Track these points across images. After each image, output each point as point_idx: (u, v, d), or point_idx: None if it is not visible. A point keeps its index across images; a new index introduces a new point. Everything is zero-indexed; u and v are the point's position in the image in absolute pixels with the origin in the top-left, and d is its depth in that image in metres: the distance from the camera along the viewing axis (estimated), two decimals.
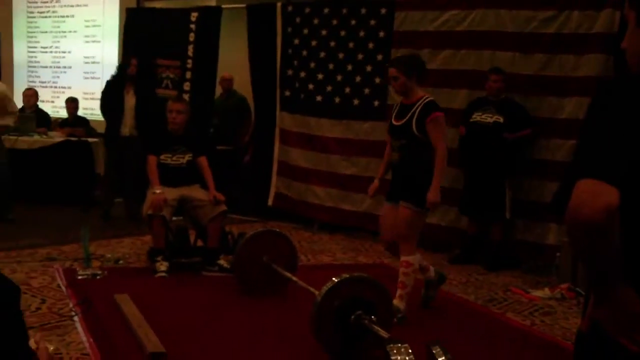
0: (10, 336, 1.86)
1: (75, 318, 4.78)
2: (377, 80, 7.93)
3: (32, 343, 2.12)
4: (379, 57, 7.91)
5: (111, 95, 8.39)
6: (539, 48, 6.86)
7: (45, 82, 12.47)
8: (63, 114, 10.76)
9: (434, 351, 3.20)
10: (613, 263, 1.65)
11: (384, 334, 3.83)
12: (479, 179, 6.89)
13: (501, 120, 6.77)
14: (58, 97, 11.89)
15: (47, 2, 12.48)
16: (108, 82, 8.59)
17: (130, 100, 8.28)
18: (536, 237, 6.83)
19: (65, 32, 12.28)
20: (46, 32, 12.50)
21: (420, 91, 5.11)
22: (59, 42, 12.36)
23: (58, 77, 12.35)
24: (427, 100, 5.00)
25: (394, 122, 5.15)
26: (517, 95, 6.92)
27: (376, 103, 7.96)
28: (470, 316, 5.40)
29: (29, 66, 12.75)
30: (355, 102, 8.10)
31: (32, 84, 12.25)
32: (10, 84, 12.70)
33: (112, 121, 8.38)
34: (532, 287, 6.25)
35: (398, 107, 5.19)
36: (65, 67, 12.26)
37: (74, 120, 10.19)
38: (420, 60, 5.28)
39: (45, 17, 12.50)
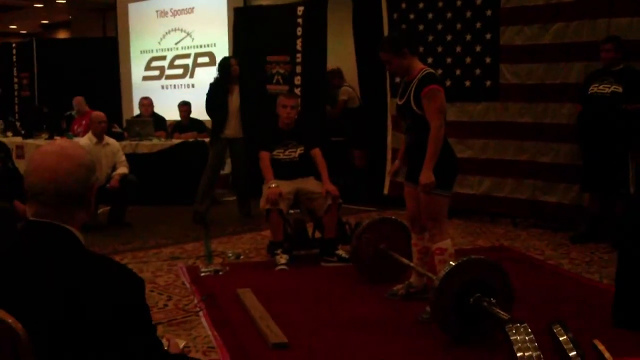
0: (141, 323, 1.94)
1: (200, 313, 4.88)
2: (488, 60, 7.78)
3: (164, 341, 2.19)
4: (488, 36, 7.76)
5: (216, 97, 8.35)
6: None
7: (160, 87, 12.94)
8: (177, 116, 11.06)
9: (554, 330, 3.10)
10: None
11: (503, 315, 3.75)
12: (600, 153, 6.61)
13: (620, 90, 6.46)
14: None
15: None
16: (211, 85, 8.52)
17: (234, 102, 8.30)
18: None
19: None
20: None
21: (418, 64, 4.72)
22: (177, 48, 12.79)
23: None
24: (424, 73, 4.62)
25: (398, 102, 4.82)
26: (638, 63, 6.62)
27: (488, 83, 7.81)
28: (595, 296, 5.15)
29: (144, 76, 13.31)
30: (467, 83, 7.98)
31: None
32: (129, 90, 13.25)
33: (217, 123, 8.40)
34: None
35: (402, 85, 4.82)
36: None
37: (189, 123, 10.45)
38: (405, 33, 4.88)
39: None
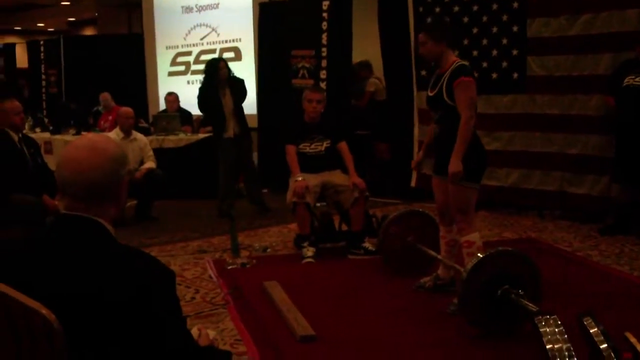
0: (172, 314, 1.95)
1: (227, 306, 4.89)
2: (515, 52, 7.72)
3: (194, 331, 2.21)
4: (515, 28, 7.70)
5: (207, 100, 8.24)
6: None
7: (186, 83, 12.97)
8: None
9: (585, 322, 3.06)
10: None
11: (532, 307, 3.73)
12: (634, 144, 6.52)
13: None
14: None
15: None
16: (200, 88, 8.40)
17: (228, 103, 8.17)
18: None
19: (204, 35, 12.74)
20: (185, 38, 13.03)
21: (452, 57, 4.76)
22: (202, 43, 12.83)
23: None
24: (457, 65, 4.65)
25: (429, 93, 4.85)
26: None
27: (515, 75, 7.76)
28: (625, 288, 5.13)
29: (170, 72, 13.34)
30: (494, 76, 7.92)
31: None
32: (155, 86, 13.31)
33: (216, 126, 8.35)
34: None
35: (434, 77, 4.86)
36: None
37: None
38: (449, 25, 4.84)
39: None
